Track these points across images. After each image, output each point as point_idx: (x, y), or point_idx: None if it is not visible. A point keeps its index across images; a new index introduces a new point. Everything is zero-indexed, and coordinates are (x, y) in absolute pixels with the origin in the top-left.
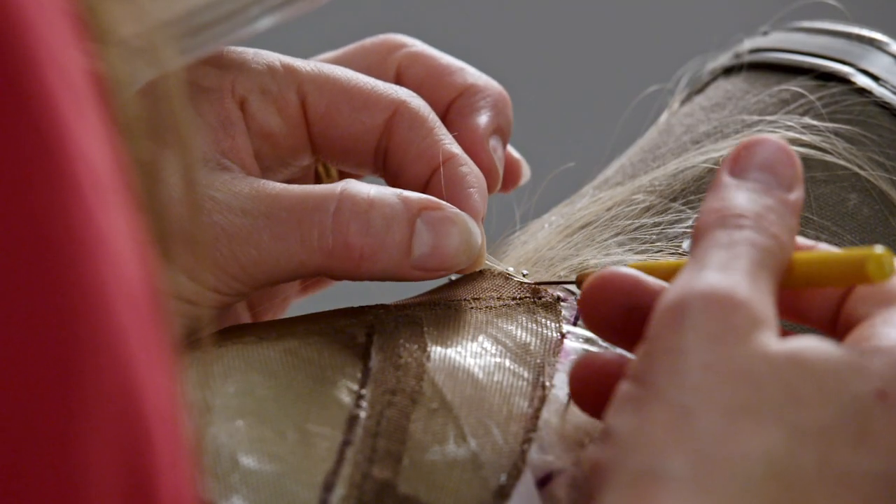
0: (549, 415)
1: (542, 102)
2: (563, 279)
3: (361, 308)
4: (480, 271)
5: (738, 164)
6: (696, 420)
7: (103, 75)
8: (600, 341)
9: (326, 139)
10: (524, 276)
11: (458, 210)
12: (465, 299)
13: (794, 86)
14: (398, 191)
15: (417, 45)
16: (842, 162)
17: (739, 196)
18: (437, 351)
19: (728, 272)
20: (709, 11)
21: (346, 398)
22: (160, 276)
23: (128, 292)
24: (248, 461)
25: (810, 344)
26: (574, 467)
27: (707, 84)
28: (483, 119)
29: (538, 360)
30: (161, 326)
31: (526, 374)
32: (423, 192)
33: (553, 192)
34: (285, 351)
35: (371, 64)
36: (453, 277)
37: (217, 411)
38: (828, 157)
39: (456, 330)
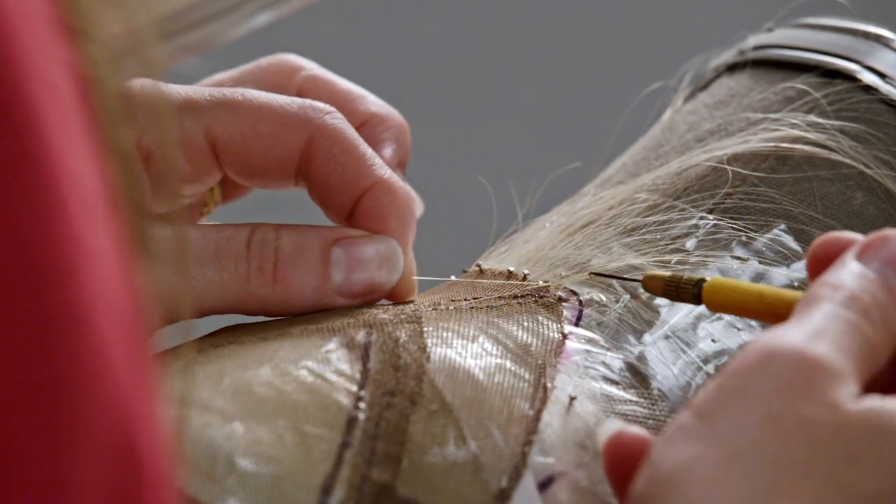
0: (550, 416)
1: (544, 100)
2: (628, 276)
3: (360, 308)
4: (481, 271)
5: (868, 252)
6: (746, 467)
7: (89, 80)
8: (602, 341)
9: (243, 169)
10: (525, 275)
11: (376, 235)
12: (465, 299)
13: (799, 83)
14: (312, 226)
15: (315, 69)
16: (847, 160)
17: (855, 281)
18: (436, 352)
19: (825, 340)
20: (712, 8)
21: (345, 400)
22: (144, 284)
23: (113, 310)
24: (245, 463)
25: (885, 404)
26: (575, 470)
27: (711, 81)
28: (387, 152)
29: (539, 362)
30: (147, 342)
31: (527, 376)
32: (350, 218)
33: (555, 190)
34: (283, 351)
35: (271, 86)
36: (452, 277)
37: (214, 413)
38: (833, 156)
39: (456, 330)
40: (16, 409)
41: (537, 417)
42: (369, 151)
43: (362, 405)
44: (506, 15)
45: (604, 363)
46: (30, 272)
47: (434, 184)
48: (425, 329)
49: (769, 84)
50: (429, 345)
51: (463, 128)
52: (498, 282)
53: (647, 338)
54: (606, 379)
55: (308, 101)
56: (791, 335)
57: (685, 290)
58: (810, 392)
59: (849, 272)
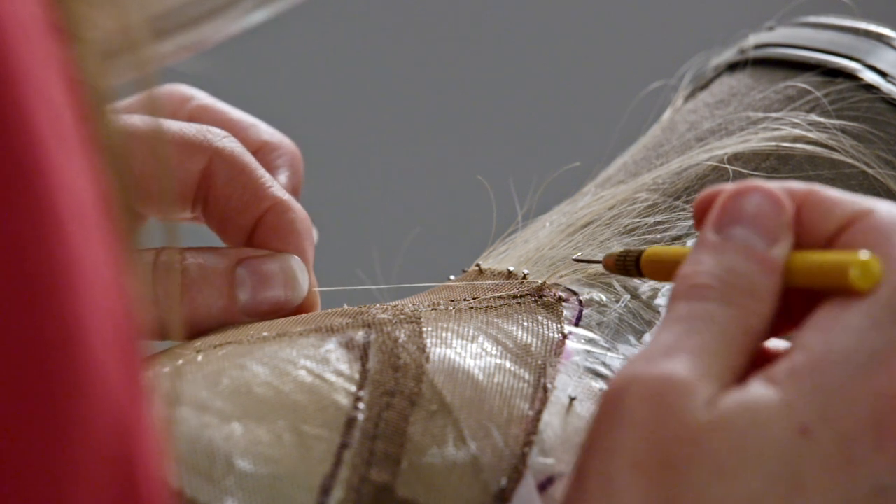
0: (550, 417)
1: (544, 99)
2: (591, 258)
3: (359, 308)
4: (480, 271)
5: (722, 218)
6: None
7: (82, 83)
8: (602, 342)
9: (141, 196)
10: (525, 275)
11: (279, 253)
12: (464, 299)
13: (800, 82)
14: (215, 247)
15: (206, 98)
16: (849, 160)
17: (710, 260)
18: (436, 352)
19: (675, 353)
20: (713, 6)
21: (344, 400)
22: (137, 293)
23: (108, 323)
24: (243, 464)
25: (738, 398)
26: None
27: (711, 80)
28: (282, 178)
29: (539, 362)
30: (140, 352)
31: (527, 376)
32: (250, 240)
33: (555, 190)
34: (282, 351)
35: (164, 115)
36: (452, 278)
37: (212, 413)
38: (835, 155)
39: (455, 330)
40: (11, 426)
41: (537, 418)
42: (267, 174)
43: (361, 405)
44: (506, 14)
45: (604, 363)
46: (25, 288)
47: (434, 184)
48: (424, 329)
49: (770, 83)
50: (428, 345)
51: (463, 127)
52: (497, 282)
53: (647, 338)
54: (607, 379)
55: (204, 126)
56: (636, 364)
57: (630, 264)
58: (661, 420)
59: (703, 249)
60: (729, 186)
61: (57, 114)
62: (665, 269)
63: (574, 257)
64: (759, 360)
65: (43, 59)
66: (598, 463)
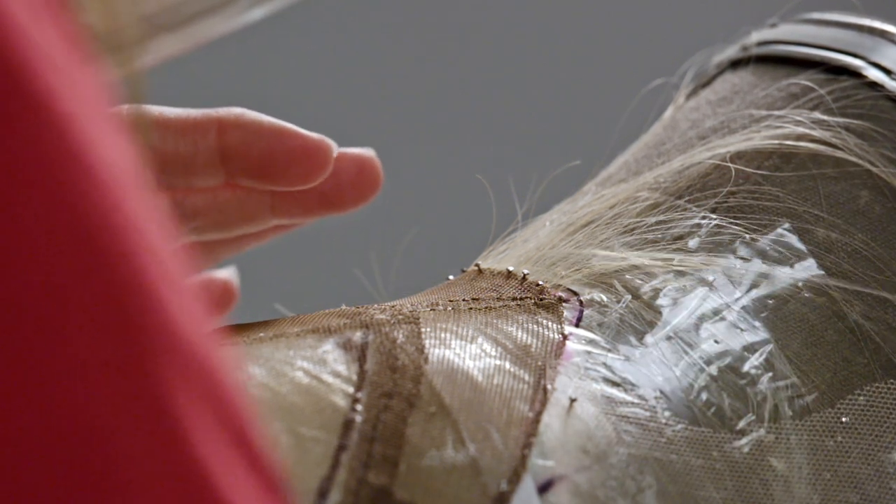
0: (550, 419)
1: (544, 97)
2: None
3: (357, 308)
4: (480, 270)
5: None
6: None
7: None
8: (603, 342)
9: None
10: (524, 275)
11: None
12: (463, 299)
13: (803, 79)
14: None
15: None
16: (853, 158)
17: None
18: (435, 353)
19: None
20: (715, 3)
21: (342, 402)
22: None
23: (174, 285)
24: None
25: None
26: (576, 473)
27: (713, 78)
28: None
29: (539, 363)
30: (205, 311)
31: (527, 377)
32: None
33: (555, 189)
34: (279, 352)
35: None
36: (451, 278)
37: None
38: (838, 153)
39: (454, 331)
40: (105, 391)
41: (537, 420)
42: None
43: (359, 407)
44: (506, 11)
45: (605, 364)
46: (96, 260)
47: (433, 183)
48: (423, 330)
49: (773, 80)
50: (427, 346)
51: (462, 126)
52: (496, 282)
53: (648, 339)
54: (607, 380)
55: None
56: None
57: None
58: None
59: None
60: None
61: (76, 85)
62: None
63: None
64: None
65: (49, 34)
66: None
